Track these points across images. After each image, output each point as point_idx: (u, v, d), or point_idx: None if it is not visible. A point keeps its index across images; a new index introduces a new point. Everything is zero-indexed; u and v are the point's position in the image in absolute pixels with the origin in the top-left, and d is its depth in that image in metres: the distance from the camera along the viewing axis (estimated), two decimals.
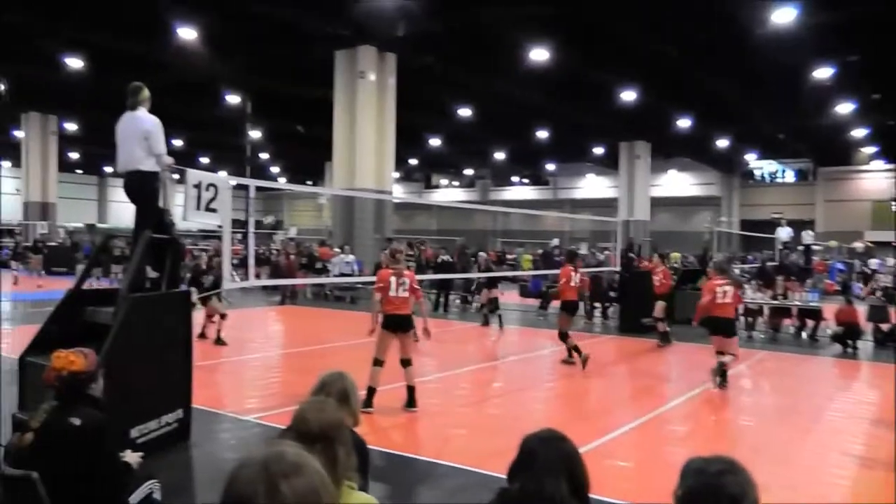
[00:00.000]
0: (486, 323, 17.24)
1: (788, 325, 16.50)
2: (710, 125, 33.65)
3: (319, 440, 2.47)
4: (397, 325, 8.61)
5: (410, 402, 8.63)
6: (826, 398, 10.39)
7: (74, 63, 23.82)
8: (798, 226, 32.15)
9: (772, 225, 30.95)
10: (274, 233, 43.10)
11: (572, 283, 12.48)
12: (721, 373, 10.09)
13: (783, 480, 6.30)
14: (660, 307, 14.80)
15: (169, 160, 7.11)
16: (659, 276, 15.25)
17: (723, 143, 38.54)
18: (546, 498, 2.26)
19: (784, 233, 25.76)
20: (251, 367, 11.82)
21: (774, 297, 16.53)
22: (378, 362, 8.52)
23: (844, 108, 28.95)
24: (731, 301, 10.48)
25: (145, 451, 4.48)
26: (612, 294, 18.93)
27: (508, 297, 21.65)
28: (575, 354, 11.88)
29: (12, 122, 37.11)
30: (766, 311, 16.73)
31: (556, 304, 14.85)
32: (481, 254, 20.63)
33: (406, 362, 8.66)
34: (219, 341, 12.89)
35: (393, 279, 8.61)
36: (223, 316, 13.06)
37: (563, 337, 12.20)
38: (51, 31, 21.33)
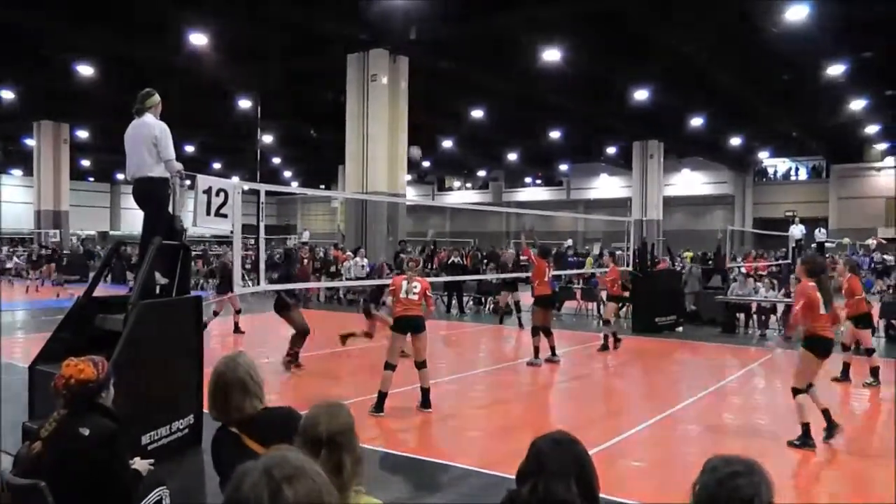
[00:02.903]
0: (501, 322, 18.47)
1: None
2: (723, 123, 33.58)
3: (326, 446, 2.47)
4: (407, 326, 8.64)
5: (425, 403, 8.64)
6: (841, 394, 10.26)
7: (85, 70, 23.85)
8: (811, 224, 31.98)
9: (785, 223, 30.76)
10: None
11: (546, 278, 12.71)
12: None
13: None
14: (610, 308, 14.68)
15: (178, 166, 7.09)
16: (610, 277, 14.97)
17: (735, 141, 38.47)
18: (557, 501, 2.24)
19: (797, 231, 25.64)
20: (262, 370, 11.77)
21: (787, 295, 16.40)
22: (390, 366, 8.51)
23: (857, 104, 28.86)
24: None
25: (156, 457, 4.49)
26: (625, 294, 18.83)
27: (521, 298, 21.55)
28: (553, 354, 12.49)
29: (24, 131, 37.08)
30: (779, 309, 16.62)
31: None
32: (510, 251, 20.65)
33: (421, 364, 8.67)
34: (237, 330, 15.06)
35: (404, 283, 8.70)
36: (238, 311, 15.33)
37: (535, 332, 12.40)
38: (62, 39, 21.40)
